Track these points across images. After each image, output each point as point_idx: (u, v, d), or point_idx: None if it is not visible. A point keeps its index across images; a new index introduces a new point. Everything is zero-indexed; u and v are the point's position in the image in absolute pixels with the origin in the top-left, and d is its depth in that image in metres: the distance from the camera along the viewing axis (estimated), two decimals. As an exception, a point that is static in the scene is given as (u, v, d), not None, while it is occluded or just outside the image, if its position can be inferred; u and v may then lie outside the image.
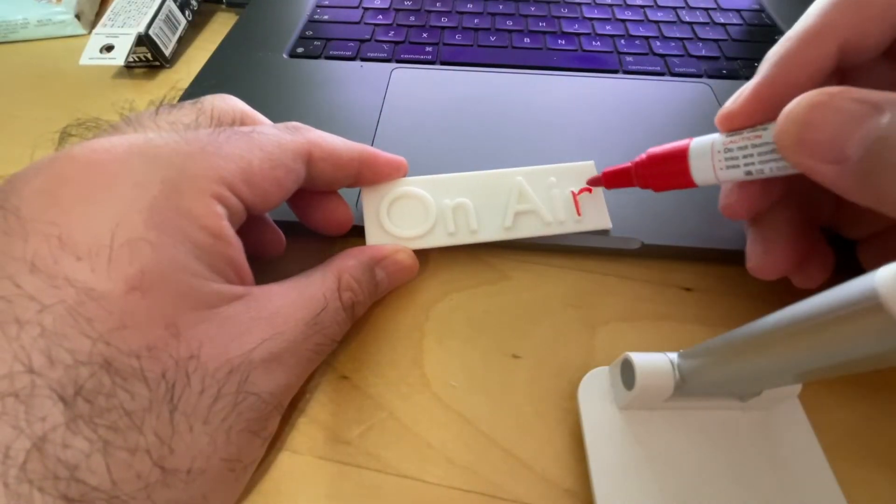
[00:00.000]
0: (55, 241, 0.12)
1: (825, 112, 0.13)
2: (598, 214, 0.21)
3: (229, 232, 0.14)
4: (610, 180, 0.20)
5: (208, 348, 0.13)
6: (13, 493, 0.10)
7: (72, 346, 0.11)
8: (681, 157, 0.17)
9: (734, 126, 0.16)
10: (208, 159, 0.14)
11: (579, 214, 0.21)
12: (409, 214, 0.21)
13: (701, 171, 0.17)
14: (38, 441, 0.10)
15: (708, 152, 0.17)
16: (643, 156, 0.19)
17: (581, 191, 0.21)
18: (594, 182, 0.21)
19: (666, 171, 0.18)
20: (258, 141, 0.15)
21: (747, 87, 0.16)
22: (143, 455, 0.11)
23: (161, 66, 0.33)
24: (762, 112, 0.16)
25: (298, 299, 0.16)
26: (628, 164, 0.19)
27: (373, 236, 0.20)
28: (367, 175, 0.20)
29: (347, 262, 0.18)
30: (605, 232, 0.21)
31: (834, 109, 0.13)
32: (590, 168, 0.22)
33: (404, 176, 0.21)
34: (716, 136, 0.17)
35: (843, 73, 0.16)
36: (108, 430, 0.11)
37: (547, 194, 0.21)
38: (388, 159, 0.20)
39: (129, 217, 0.12)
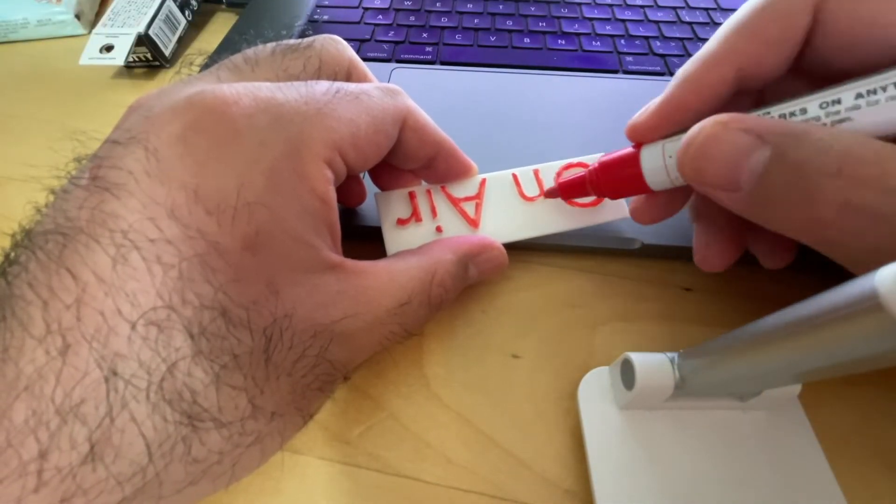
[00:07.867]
0: (192, 194, 0.13)
1: (717, 144, 0.14)
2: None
3: (333, 195, 0.15)
4: (566, 191, 0.20)
5: (300, 311, 0.14)
6: (152, 404, 0.11)
7: (199, 291, 0.13)
8: (633, 162, 0.17)
9: (639, 138, 0.17)
10: (324, 121, 0.15)
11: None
12: None
13: (654, 175, 0.17)
14: (171, 366, 0.12)
15: (659, 156, 0.16)
16: (595, 164, 0.18)
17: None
18: (551, 193, 0.20)
19: (619, 178, 0.18)
20: (366, 104, 0.16)
21: (653, 103, 0.17)
22: (241, 392, 0.13)
23: (161, 66, 0.33)
24: (664, 128, 0.16)
25: (387, 285, 0.16)
26: (583, 173, 0.19)
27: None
28: (440, 164, 0.19)
29: (445, 256, 0.17)
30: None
31: (724, 142, 0.14)
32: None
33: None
34: (665, 141, 0.16)
35: (758, 90, 0.17)
36: (221, 367, 0.13)
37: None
38: (464, 159, 0.20)
39: (253, 178, 0.14)
